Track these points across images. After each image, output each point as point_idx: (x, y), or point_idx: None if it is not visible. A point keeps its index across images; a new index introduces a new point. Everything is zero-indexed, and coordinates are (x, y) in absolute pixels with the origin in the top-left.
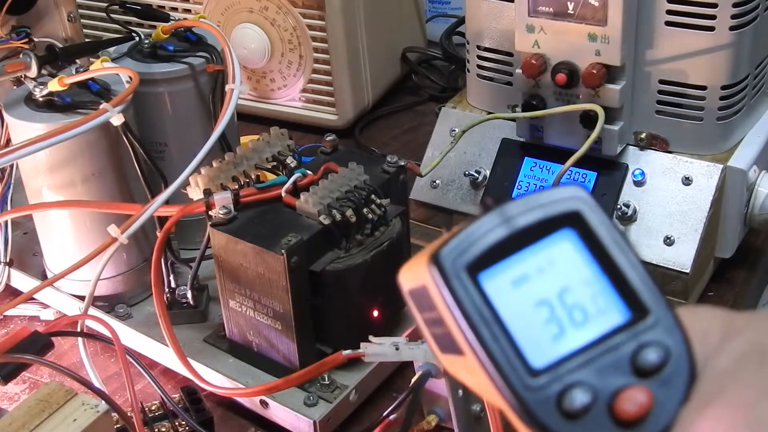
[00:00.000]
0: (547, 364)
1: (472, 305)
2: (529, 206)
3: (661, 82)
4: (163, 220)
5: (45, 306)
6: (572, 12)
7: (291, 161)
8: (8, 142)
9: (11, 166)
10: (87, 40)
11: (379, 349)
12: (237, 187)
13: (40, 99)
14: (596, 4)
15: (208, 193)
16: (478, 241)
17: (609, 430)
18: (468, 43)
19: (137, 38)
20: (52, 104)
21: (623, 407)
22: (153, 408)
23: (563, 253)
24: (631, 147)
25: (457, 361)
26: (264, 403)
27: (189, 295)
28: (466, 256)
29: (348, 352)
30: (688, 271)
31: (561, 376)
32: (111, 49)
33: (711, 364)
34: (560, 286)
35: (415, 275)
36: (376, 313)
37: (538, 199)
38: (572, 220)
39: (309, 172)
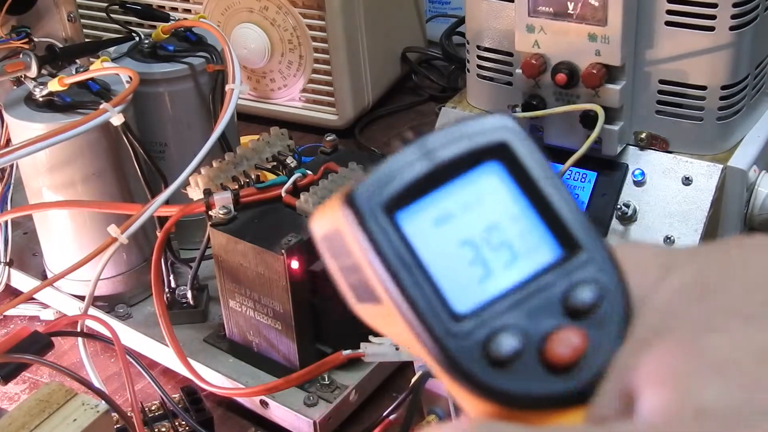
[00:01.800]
0: (473, 309)
1: (390, 247)
2: (452, 138)
3: (661, 82)
4: (163, 220)
5: (45, 306)
6: (572, 12)
7: (291, 161)
8: (8, 142)
9: (11, 166)
10: (87, 40)
11: (379, 349)
12: (237, 187)
13: (40, 99)
14: (596, 4)
15: (208, 193)
16: (395, 178)
17: (540, 377)
18: (468, 43)
19: (137, 38)
20: (52, 104)
21: (555, 350)
22: (153, 408)
23: (489, 188)
24: (631, 147)
25: (375, 311)
26: (264, 403)
27: (189, 295)
28: (383, 194)
29: (348, 352)
30: None
31: (487, 320)
32: (111, 49)
33: (649, 300)
34: (486, 223)
35: (328, 219)
36: None
37: (462, 130)
38: (499, 153)
39: (309, 172)
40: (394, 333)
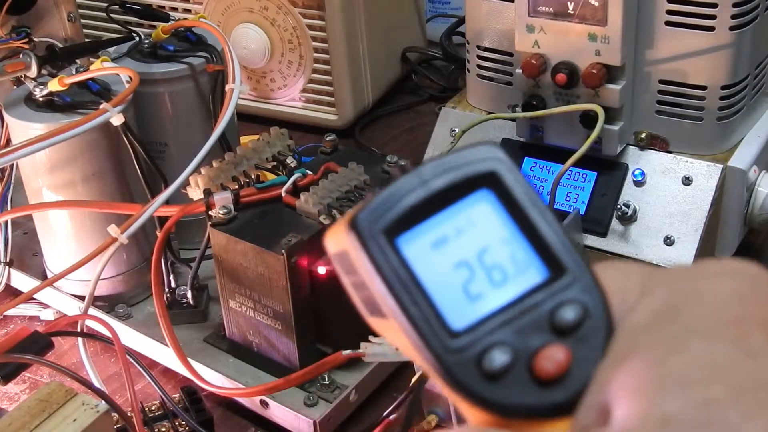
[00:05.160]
0: (467, 326)
1: (390, 269)
2: (446, 168)
3: (661, 82)
4: (163, 220)
5: (45, 306)
6: (572, 12)
7: (291, 161)
8: (8, 142)
9: (11, 166)
10: (87, 40)
11: (379, 349)
12: (237, 187)
13: (40, 99)
14: (596, 4)
15: (208, 193)
16: (395, 205)
17: (529, 389)
18: (468, 43)
19: (137, 38)
20: (52, 104)
21: (542, 366)
22: (153, 408)
23: (481, 214)
24: (631, 147)
25: (384, 324)
26: (264, 403)
27: (189, 295)
28: (384, 219)
29: (348, 352)
30: None
31: (481, 337)
32: (111, 49)
33: (627, 320)
34: (479, 247)
35: (336, 239)
36: None
37: (455, 160)
38: (489, 181)
39: (309, 172)
40: (401, 345)
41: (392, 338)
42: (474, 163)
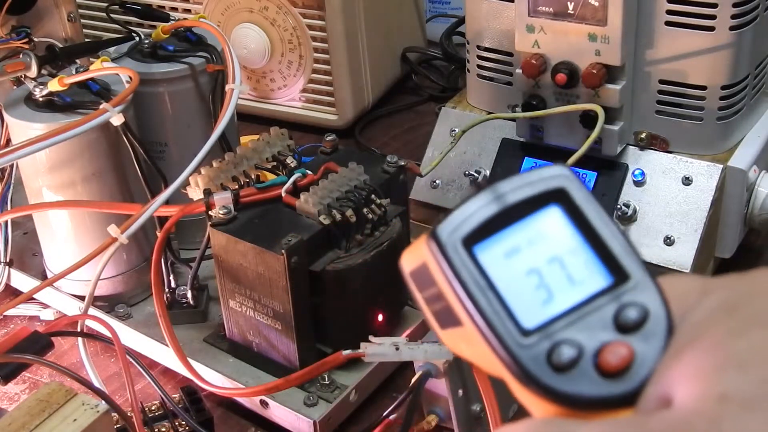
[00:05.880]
0: (538, 325)
1: (469, 275)
2: (519, 184)
3: (661, 82)
4: (163, 220)
5: (45, 306)
6: (572, 12)
7: (291, 161)
8: (8, 142)
9: (11, 166)
10: (87, 40)
11: (379, 349)
12: (237, 187)
13: (40, 99)
14: (596, 4)
15: (208, 193)
16: (471, 217)
17: (595, 381)
18: (468, 43)
19: (137, 38)
20: (52, 104)
21: (607, 359)
22: (153, 408)
23: (550, 226)
24: (631, 147)
25: (457, 334)
26: (264, 403)
27: (189, 295)
28: (461, 230)
29: (348, 352)
30: (688, 271)
31: (550, 334)
32: (111, 49)
33: (686, 319)
34: (548, 256)
35: (415, 255)
36: (381, 317)
37: (527, 178)
38: (558, 197)
39: (309, 172)
40: (472, 352)
41: (464, 348)
42: (545, 181)
